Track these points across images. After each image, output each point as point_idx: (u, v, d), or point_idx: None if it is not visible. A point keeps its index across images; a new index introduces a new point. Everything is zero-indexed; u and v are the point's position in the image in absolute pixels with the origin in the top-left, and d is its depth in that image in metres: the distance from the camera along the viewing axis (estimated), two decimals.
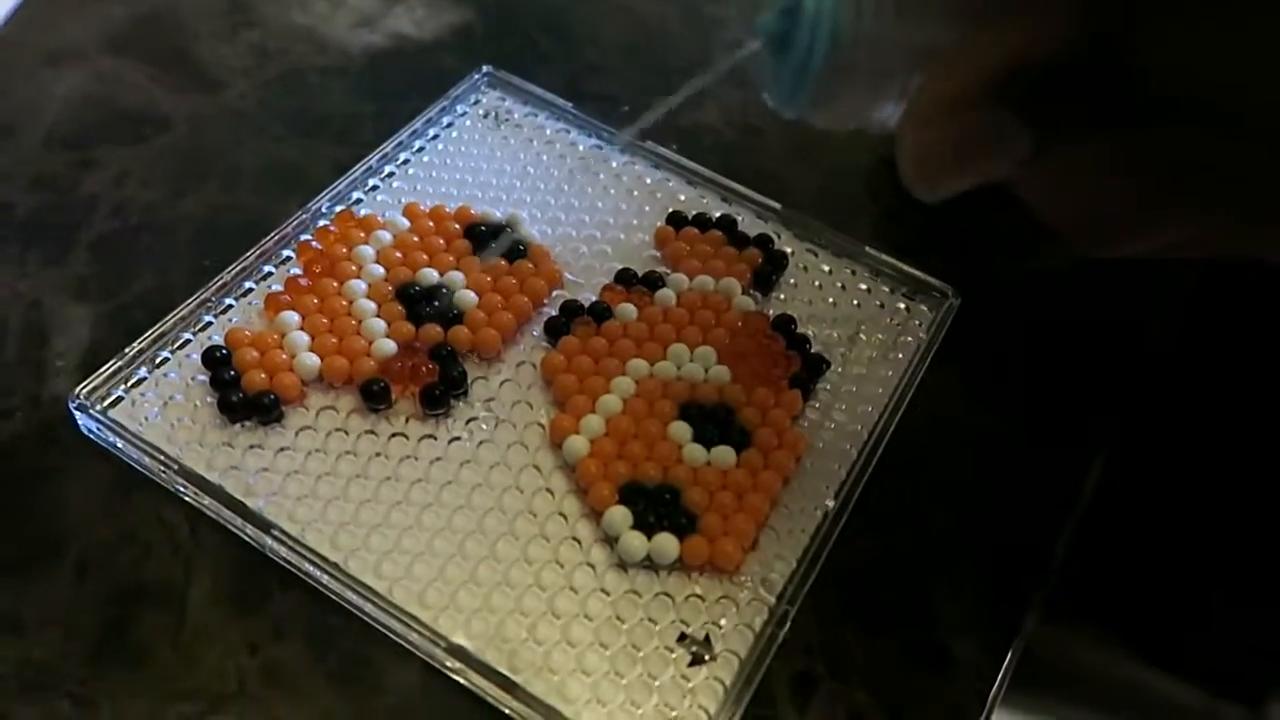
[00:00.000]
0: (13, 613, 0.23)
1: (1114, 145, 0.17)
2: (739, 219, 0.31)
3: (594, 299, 0.29)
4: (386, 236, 0.29)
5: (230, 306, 0.28)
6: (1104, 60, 0.16)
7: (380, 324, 0.27)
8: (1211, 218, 0.17)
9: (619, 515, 0.24)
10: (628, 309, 0.28)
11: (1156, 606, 0.39)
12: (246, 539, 0.24)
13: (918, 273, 0.31)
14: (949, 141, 0.18)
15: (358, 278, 0.28)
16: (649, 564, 0.24)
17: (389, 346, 0.27)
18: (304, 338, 0.27)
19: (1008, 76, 0.17)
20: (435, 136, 0.33)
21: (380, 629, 0.23)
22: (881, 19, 0.18)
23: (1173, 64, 0.16)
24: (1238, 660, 0.40)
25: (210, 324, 0.28)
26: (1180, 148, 0.16)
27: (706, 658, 0.23)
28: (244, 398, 0.26)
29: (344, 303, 0.28)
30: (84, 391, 0.25)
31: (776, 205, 0.32)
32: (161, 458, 0.25)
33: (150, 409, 0.26)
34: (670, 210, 0.31)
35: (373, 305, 0.28)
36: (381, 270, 0.28)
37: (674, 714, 0.22)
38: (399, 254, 0.29)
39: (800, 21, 0.18)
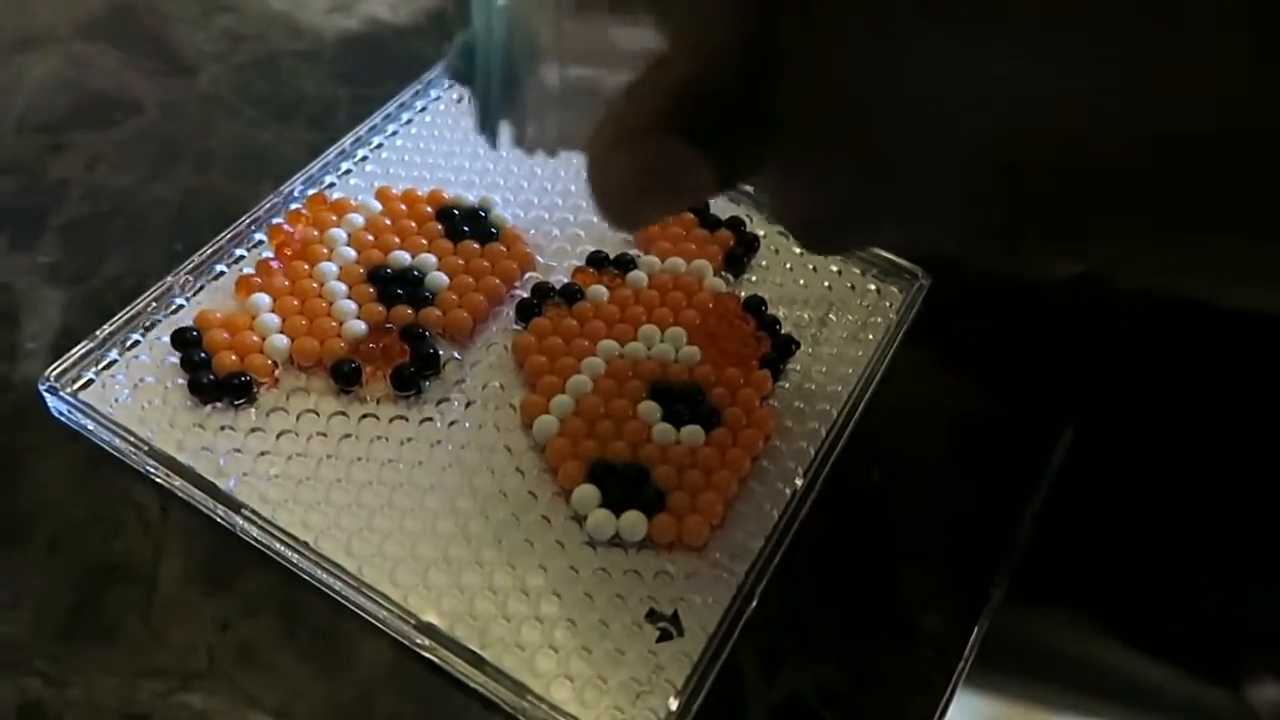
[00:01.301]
0: None
1: (795, 169, 0.18)
2: (711, 202, 0.32)
3: (566, 281, 0.29)
4: (359, 219, 0.29)
5: (202, 289, 0.28)
6: (754, 85, 0.17)
7: (351, 305, 0.27)
8: (908, 230, 0.18)
9: (588, 493, 0.25)
10: (599, 290, 0.29)
11: (1129, 585, 0.39)
12: (217, 519, 0.24)
13: (888, 255, 0.31)
14: (632, 171, 0.18)
15: (329, 260, 0.28)
16: (618, 541, 0.24)
17: (359, 328, 0.27)
18: (275, 319, 0.27)
19: (678, 107, 0.17)
20: (408, 120, 0.33)
21: (351, 607, 0.23)
22: (551, 42, 0.18)
23: (803, 98, 0.16)
24: (1215, 640, 0.41)
25: (181, 306, 0.28)
26: (834, 169, 0.17)
27: (674, 633, 0.23)
28: (215, 379, 0.26)
29: (315, 285, 0.28)
30: (54, 374, 0.25)
31: (748, 188, 0.32)
32: (132, 439, 0.25)
33: (121, 391, 0.26)
34: None
35: (344, 287, 0.28)
36: (353, 253, 0.28)
37: (642, 689, 0.22)
38: (371, 237, 0.29)
39: (478, 59, 0.18)
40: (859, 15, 0.15)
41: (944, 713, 0.24)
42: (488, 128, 0.19)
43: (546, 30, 0.18)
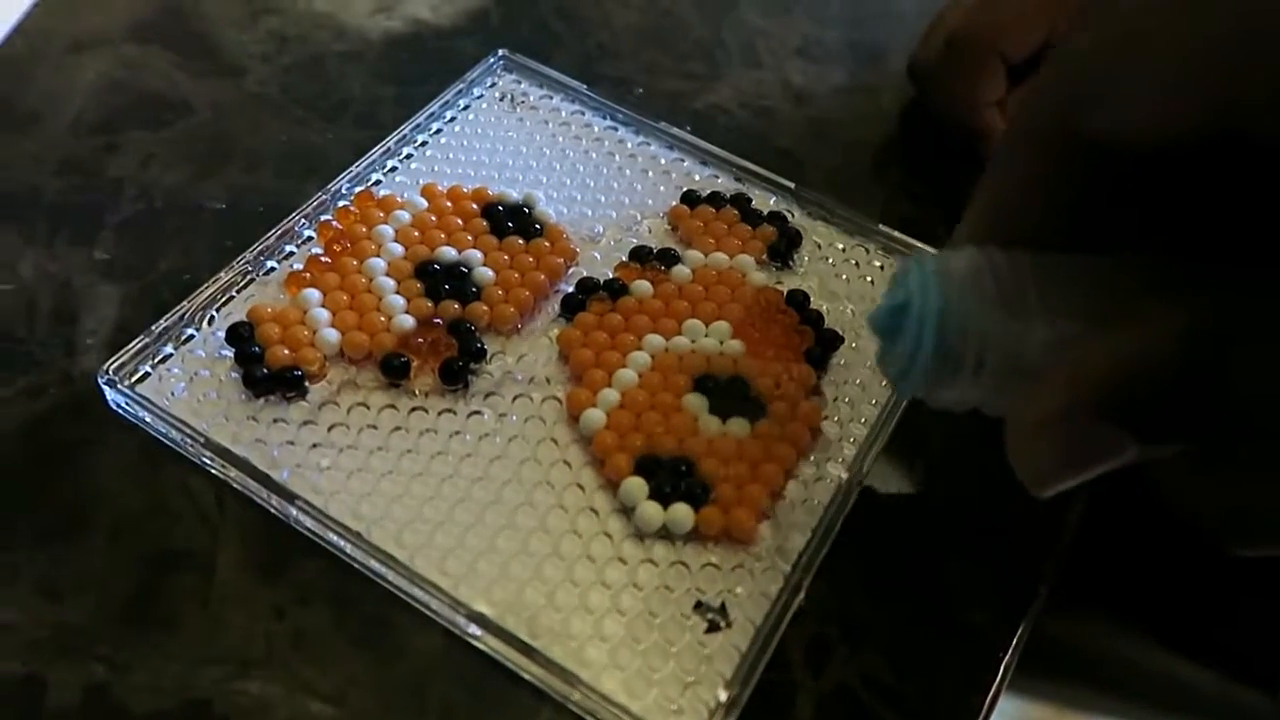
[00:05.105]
0: (49, 579, 0.24)
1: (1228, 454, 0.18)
2: (753, 197, 0.32)
3: (610, 276, 0.29)
4: (405, 216, 0.30)
5: (253, 284, 0.29)
6: (1197, 382, 0.17)
7: (399, 300, 0.28)
8: None
9: (635, 486, 0.25)
10: (643, 285, 0.29)
11: (1172, 587, 0.39)
12: (271, 509, 0.25)
13: (930, 249, 0.31)
14: (1056, 451, 0.18)
15: (377, 256, 0.29)
16: (665, 533, 0.25)
17: (408, 322, 0.27)
18: (325, 314, 0.27)
19: (1105, 397, 0.18)
20: (452, 119, 0.34)
21: (402, 596, 0.24)
22: (983, 321, 0.19)
23: (1258, 392, 0.17)
24: (1257, 644, 0.40)
25: (234, 302, 0.28)
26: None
27: (722, 625, 0.23)
28: (268, 373, 0.26)
29: (364, 280, 0.28)
30: (112, 367, 0.26)
31: (790, 184, 0.32)
32: (188, 431, 0.25)
33: (177, 384, 0.26)
34: (684, 189, 0.32)
35: (392, 282, 0.28)
36: (400, 249, 0.29)
37: (690, 679, 0.23)
38: (417, 233, 0.29)
39: (907, 319, 0.20)
40: None
41: (992, 707, 0.24)
42: (908, 380, 0.20)
43: (981, 316, 0.19)
